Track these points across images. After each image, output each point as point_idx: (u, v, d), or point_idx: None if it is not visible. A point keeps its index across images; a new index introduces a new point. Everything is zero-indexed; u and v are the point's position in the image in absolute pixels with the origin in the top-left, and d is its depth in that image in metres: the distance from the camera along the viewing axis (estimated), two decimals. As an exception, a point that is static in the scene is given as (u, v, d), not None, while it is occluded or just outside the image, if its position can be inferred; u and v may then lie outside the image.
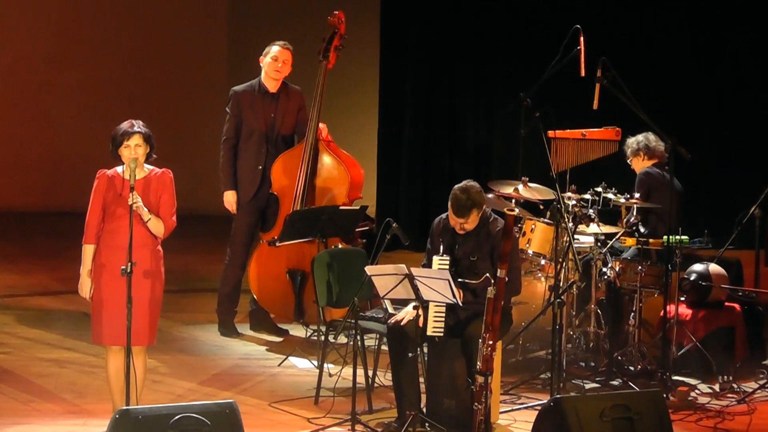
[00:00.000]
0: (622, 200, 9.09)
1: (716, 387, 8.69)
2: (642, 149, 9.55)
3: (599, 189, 9.11)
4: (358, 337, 7.93)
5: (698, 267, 9.12)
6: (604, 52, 8.76)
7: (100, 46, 15.07)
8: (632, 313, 8.98)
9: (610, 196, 9.09)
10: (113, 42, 15.08)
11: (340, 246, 9.16)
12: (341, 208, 9.36)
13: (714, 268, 9.12)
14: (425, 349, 8.06)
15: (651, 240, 8.98)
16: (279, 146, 9.67)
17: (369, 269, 7.59)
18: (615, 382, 8.70)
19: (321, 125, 9.68)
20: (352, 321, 7.80)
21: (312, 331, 9.47)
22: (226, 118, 9.71)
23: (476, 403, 7.24)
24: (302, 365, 9.12)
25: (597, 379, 8.77)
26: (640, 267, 8.89)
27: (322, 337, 8.54)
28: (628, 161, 9.65)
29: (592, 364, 9.00)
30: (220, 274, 9.88)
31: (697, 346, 8.91)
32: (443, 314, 7.70)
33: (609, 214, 9.24)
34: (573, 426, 6.62)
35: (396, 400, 7.79)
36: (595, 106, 8.81)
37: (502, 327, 7.56)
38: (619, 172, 9.78)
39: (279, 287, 9.61)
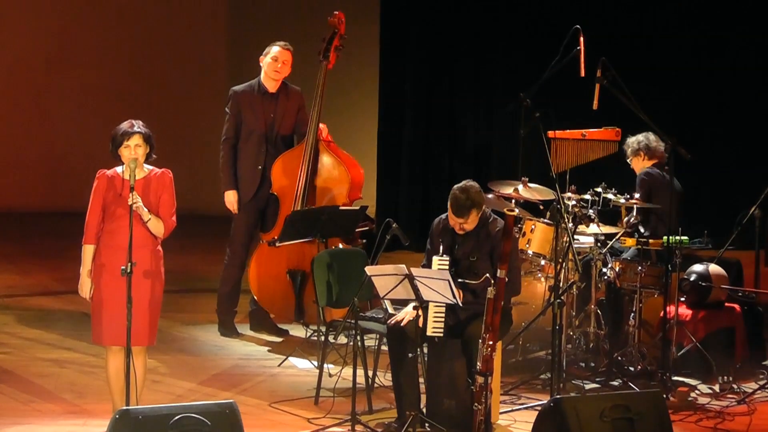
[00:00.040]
0: (622, 200, 9.09)
1: (716, 387, 8.69)
2: (642, 149, 9.54)
3: (599, 189, 9.10)
4: (358, 338, 7.94)
5: (698, 267, 9.12)
6: (604, 52, 8.76)
7: (100, 47, 15.08)
8: (632, 314, 8.97)
9: (610, 196, 9.08)
10: (113, 42, 15.08)
11: (341, 246, 9.16)
12: (341, 208, 9.36)
13: (714, 268, 9.11)
14: (425, 350, 8.06)
15: (651, 240, 8.98)
16: (278, 146, 9.68)
17: (369, 269, 7.59)
18: (615, 383, 8.69)
19: (321, 125, 9.68)
20: (352, 321, 7.80)
21: (312, 332, 9.47)
22: (225, 118, 9.71)
23: (476, 404, 7.24)
24: (302, 365, 9.12)
25: (597, 379, 8.77)
26: (640, 267, 8.88)
27: (322, 338, 8.54)
28: (627, 160, 9.64)
29: (592, 364, 9.00)
30: (219, 274, 9.89)
31: (697, 347, 8.90)
32: (443, 314, 7.69)
33: (609, 214, 9.24)
34: (573, 426, 6.62)
35: (396, 400, 7.79)
36: (595, 106, 8.81)
37: (502, 327, 7.56)
38: (619, 173, 9.78)
39: (279, 287, 9.61)
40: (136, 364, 7.16)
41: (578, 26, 8.98)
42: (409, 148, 13.36)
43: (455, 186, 7.76)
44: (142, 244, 7.21)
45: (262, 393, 8.47)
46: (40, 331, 9.89)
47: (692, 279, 9.08)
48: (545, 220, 9.06)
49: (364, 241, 9.56)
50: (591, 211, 9.00)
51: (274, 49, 9.61)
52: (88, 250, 7.31)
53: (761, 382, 8.76)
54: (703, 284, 9.05)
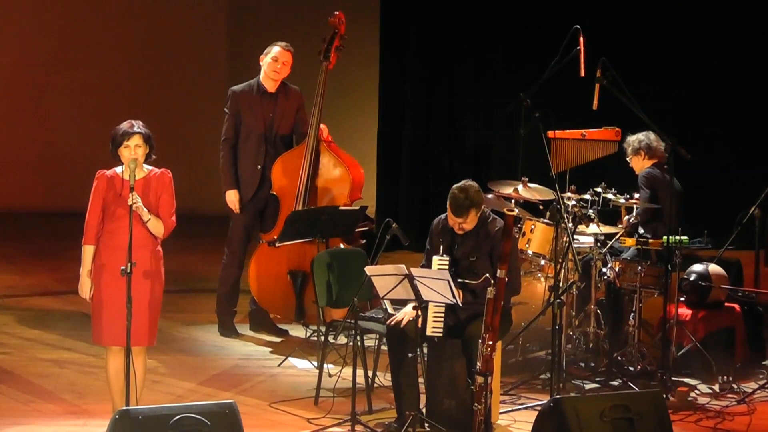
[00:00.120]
0: (622, 200, 9.09)
1: (716, 387, 8.69)
2: (643, 148, 9.53)
3: (599, 189, 9.10)
4: (358, 338, 7.94)
5: (698, 267, 9.12)
6: (604, 52, 8.76)
7: (99, 47, 15.07)
8: (632, 314, 8.97)
9: (610, 196, 9.08)
10: (113, 42, 15.07)
11: (341, 246, 9.16)
12: (341, 208, 9.36)
13: (714, 268, 9.11)
14: (425, 350, 8.06)
15: (651, 240, 8.98)
16: (278, 146, 9.68)
17: (369, 269, 7.59)
18: (615, 383, 8.70)
19: (321, 126, 9.68)
20: (352, 321, 7.81)
21: (312, 332, 9.47)
22: (224, 118, 9.71)
23: (476, 404, 7.24)
24: (302, 366, 9.12)
25: (597, 379, 8.78)
26: (639, 267, 8.88)
27: (322, 338, 8.54)
28: (627, 159, 9.63)
29: (592, 364, 9.00)
30: (218, 274, 9.89)
31: (697, 347, 8.90)
32: (442, 314, 7.70)
33: (609, 214, 9.24)
34: (573, 426, 6.61)
35: (396, 400, 7.79)
36: (594, 106, 8.81)
37: (502, 327, 7.56)
38: (619, 173, 9.78)
39: (279, 287, 9.60)
40: (136, 364, 7.16)
41: (578, 26, 8.98)
42: (409, 148, 13.35)
43: (454, 186, 7.76)
44: (141, 245, 7.21)
45: (262, 393, 8.47)
46: (40, 331, 9.89)
47: (692, 279, 9.08)
48: (545, 220, 9.06)
49: (364, 241, 9.56)
50: (591, 211, 9.00)
51: (275, 50, 9.61)
52: (87, 251, 7.31)
53: (761, 382, 8.76)
54: (703, 284, 9.05)
